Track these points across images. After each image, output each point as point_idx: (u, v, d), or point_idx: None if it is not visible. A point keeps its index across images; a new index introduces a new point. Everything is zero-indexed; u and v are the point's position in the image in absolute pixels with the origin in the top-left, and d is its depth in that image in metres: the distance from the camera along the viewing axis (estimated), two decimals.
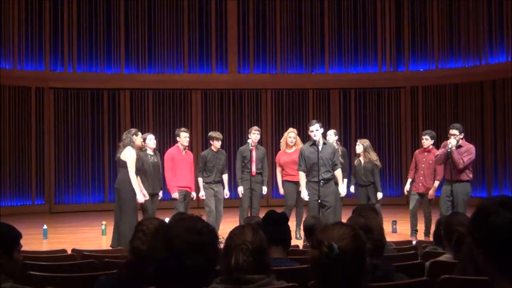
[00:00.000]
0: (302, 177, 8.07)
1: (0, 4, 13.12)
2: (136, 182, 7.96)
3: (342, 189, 8.39)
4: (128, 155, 7.98)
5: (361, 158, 9.07)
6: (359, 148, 9.11)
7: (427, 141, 8.85)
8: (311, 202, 7.93)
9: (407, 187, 9.09)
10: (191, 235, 1.95)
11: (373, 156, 9.05)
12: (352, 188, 9.41)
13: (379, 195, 8.89)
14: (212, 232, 2.03)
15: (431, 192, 8.72)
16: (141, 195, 8.00)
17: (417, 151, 9.23)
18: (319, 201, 7.81)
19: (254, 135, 9.19)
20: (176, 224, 2.02)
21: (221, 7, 14.41)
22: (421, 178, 8.80)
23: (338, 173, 8.21)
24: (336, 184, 8.23)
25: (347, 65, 14.57)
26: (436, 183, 8.75)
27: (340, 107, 14.57)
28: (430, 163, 8.74)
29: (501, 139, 13.15)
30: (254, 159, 9.09)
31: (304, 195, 8.01)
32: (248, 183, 9.08)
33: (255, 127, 9.42)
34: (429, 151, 8.83)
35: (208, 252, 1.97)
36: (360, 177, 9.01)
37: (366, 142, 9.19)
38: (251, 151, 9.09)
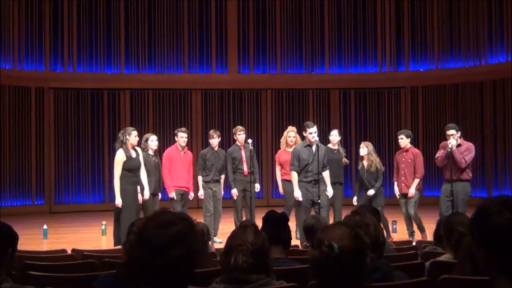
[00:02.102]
0: (294, 177, 8.09)
1: (0, 4, 13.12)
2: (118, 185, 7.83)
3: (330, 190, 8.20)
4: (115, 158, 7.92)
5: (364, 162, 8.83)
6: (363, 151, 8.85)
7: (402, 140, 8.78)
8: (305, 202, 7.95)
9: (396, 191, 8.87)
10: (164, 228, 1.91)
11: (377, 159, 8.87)
12: (354, 200, 8.91)
13: (371, 191, 8.64)
14: (186, 220, 1.97)
15: (410, 190, 8.54)
16: (120, 200, 7.81)
17: (396, 152, 9.17)
18: (319, 201, 7.83)
19: (240, 136, 9.16)
20: (147, 223, 1.98)
21: (221, 7, 14.42)
22: (402, 178, 8.67)
23: (326, 174, 8.20)
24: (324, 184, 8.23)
25: (347, 65, 14.57)
26: (416, 181, 8.59)
27: (340, 107, 14.57)
28: (409, 162, 8.67)
29: (501, 139, 13.15)
30: (244, 158, 9.07)
31: (298, 194, 8.01)
32: (241, 183, 9.06)
33: (240, 127, 9.35)
34: (407, 151, 8.76)
35: (187, 240, 1.92)
36: (363, 182, 8.83)
37: (370, 145, 8.98)
38: (250, 151, 9.04)
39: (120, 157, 7.87)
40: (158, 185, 8.57)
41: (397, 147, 14.23)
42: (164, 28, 14.26)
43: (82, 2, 13.83)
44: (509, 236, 1.53)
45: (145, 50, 14.18)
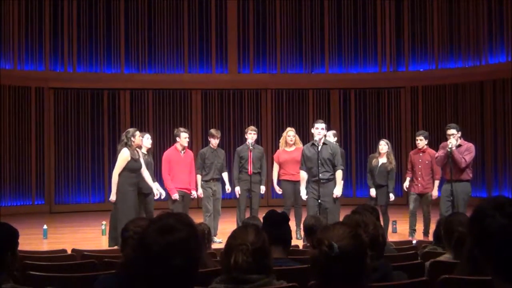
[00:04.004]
0: (302, 176, 8.13)
1: (0, 4, 13.13)
2: (116, 182, 7.88)
3: (337, 190, 7.98)
4: (120, 155, 7.93)
5: (380, 159, 8.89)
6: (385, 148, 8.91)
7: (421, 141, 8.87)
8: (309, 201, 7.94)
9: (406, 183, 9.11)
10: (165, 235, 1.84)
11: (393, 158, 8.96)
12: (373, 191, 8.89)
13: (392, 196, 8.78)
14: (188, 226, 1.89)
15: (434, 193, 8.72)
16: (115, 196, 7.87)
17: (412, 152, 9.23)
18: (319, 201, 7.80)
19: (251, 135, 9.17)
20: (148, 228, 1.90)
21: (221, 7, 14.41)
22: (419, 179, 8.81)
23: (337, 174, 8.05)
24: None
25: (347, 65, 14.57)
26: (436, 183, 8.76)
27: (340, 107, 14.57)
28: (427, 163, 8.77)
29: (501, 139, 13.15)
30: (251, 158, 9.07)
31: (303, 194, 8.06)
32: (246, 183, 9.07)
33: (252, 127, 9.39)
34: (424, 151, 8.86)
35: (189, 248, 1.85)
36: (374, 179, 8.88)
37: (389, 142, 9.10)
38: (251, 151, 9.04)
39: (126, 155, 7.90)
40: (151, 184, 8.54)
41: (397, 146, 14.31)
42: (164, 28, 14.26)
43: (82, 2, 13.83)
44: (500, 240, 1.53)
45: (145, 50, 14.18)
